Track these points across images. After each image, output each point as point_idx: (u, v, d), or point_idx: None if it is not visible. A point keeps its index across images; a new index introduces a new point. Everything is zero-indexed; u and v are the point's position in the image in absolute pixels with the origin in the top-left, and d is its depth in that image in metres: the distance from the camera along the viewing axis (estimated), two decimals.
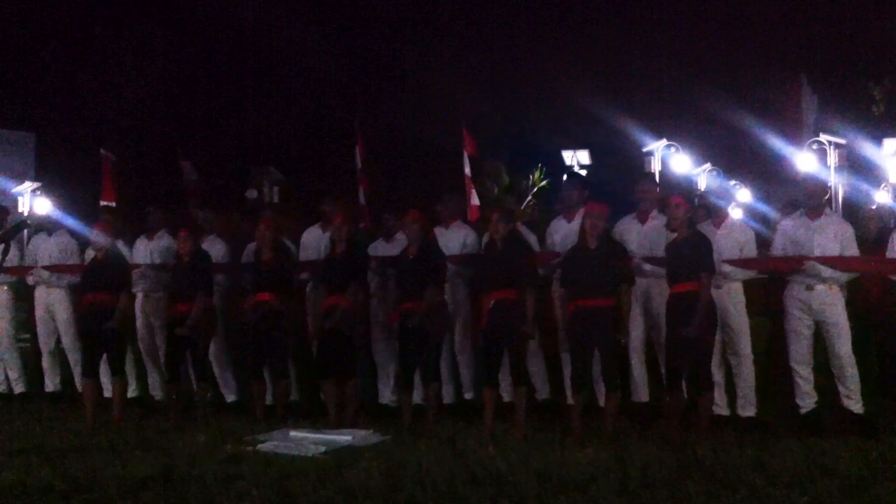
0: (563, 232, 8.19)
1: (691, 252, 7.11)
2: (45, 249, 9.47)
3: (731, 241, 7.62)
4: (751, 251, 7.68)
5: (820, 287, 7.34)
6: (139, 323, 9.07)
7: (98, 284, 8.31)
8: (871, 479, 5.78)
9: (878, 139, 23.52)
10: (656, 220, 7.92)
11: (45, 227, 9.80)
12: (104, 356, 8.46)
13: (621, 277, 7.27)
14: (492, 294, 7.51)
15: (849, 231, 7.52)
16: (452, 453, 6.60)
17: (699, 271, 7.06)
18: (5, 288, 9.68)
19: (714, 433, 7.01)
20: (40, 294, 9.45)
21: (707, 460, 6.24)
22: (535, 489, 5.62)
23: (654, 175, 20.49)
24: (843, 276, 7.42)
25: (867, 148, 24.07)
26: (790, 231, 7.58)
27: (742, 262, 7.58)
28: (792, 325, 7.48)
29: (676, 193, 7.76)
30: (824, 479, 5.77)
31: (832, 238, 7.39)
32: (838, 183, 23.00)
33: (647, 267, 7.73)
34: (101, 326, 8.20)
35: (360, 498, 5.55)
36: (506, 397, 7.96)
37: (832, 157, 22.82)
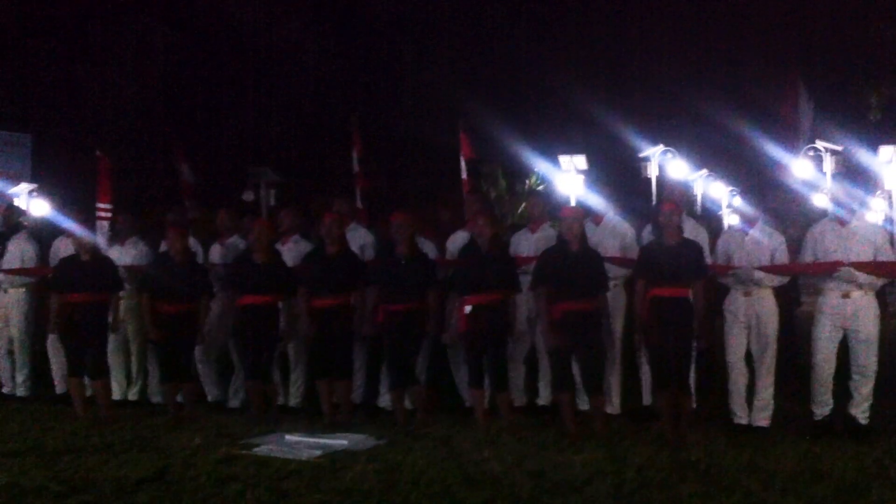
0: (529, 242, 8.30)
1: (683, 258, 7.11)
2: (68, 251, 9.42)
3: (761, 248, 7.59)
4: (782, 256, 7.64)
5: (856, 294, 7.31)
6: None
7: (84, 285, 8.28)
8: (866, 485, 5.79)
9: (874, 146, 23.53)
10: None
11: (65, 230, 9.76)
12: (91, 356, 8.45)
13: (599, 284, 7.30)
14: (471, 298, 7.50)
15: (881, 235, 7.52)
16: (447, 455, 6.61)
17: (694, 278, 7.07)
18: (24, 289, 9.66)
19: (709, 436, 7.03)
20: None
21: (702, 463, 6.25)
22: (530, 490, 5.64)
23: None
24: (879, 281, 7.42)
25: (863, 155, 24.08)
26: (821, 238, 7.54)
27: (774, 268, 7.54)
28: (822, 332, 7.42)
29: (668, 199, 7.77)
30: (819, 483, 5.78)
31: (864, 243, 7.36)
32: (834, 190, 22.96)
33: None
34: (85, 326, 8.20)
35: (356, 499, 5.56)
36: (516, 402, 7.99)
37: (828, 164, 22.82)
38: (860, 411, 7.33)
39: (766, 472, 6.02)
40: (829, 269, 7.36)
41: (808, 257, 7.59)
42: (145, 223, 10.00)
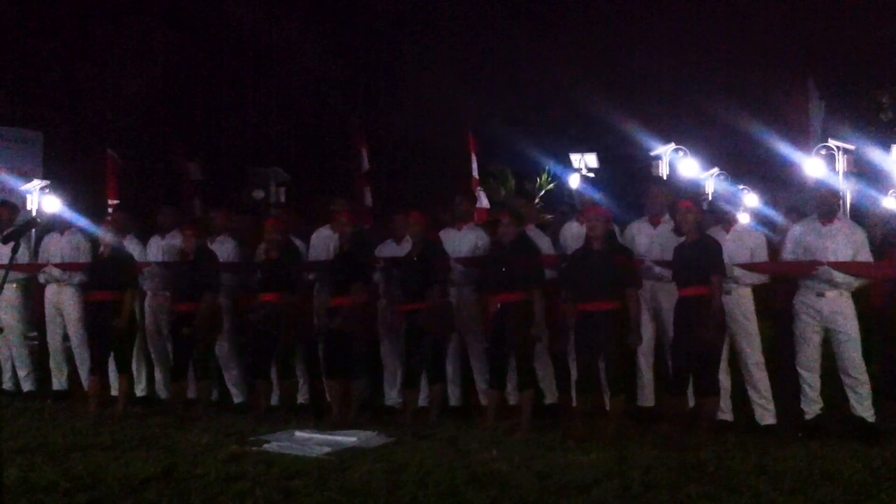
0: (574, 233, 8.23)
1: (700, 256, 7.10)
2: (57, 248, 9.50)
3: (741, 246, 7.59)
4: (761, 256, 7.65)
5: (831, 293, 7.30)
6: (148, 322, 9.10)
7: (102, 282, 8.36)
8: (874, 485, 5.76)
9: (885, 145, 23.49)
10: (668, 224, 7.92)
11: (56, 225, 9.83)
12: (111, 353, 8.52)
13: (627, 281, 7.26)
14: (497, 296, 7.52)
15: (861, 236, 7.48)
16: (455, 454, 6.61)
17: (709, 275, 7.04)
18: (15, 286, 9.70)
19: (716, 437, 7.01)
20: (51, 292, 9.49)
21: (709, 464, 6.23)
22: (537, 491, 5.62)
23: (664, 179, 20.53)
24: (856, 282, 7.38)
25: (875, 154, 24.03)
26: (801, 236, 7.54)
27: (754, 266, 7.54)
28: (801, 330, 7.42)
29: (686, 197, 7.74)
30: (827, 484, 5.75)
31: (844, 243, 7.35)
32: (846, 189, 22.97)
33: (657, 270, 7.72)
34: (106, 324, 8.24)
35: (363, 498, 5.55)
36: (511, 400, 7.96)
37: (840, 163, 22.78)
38: (864, 409, 7.29)
39: (774, 473, 6.00)
40: (807, 269, 7.35)
41: (788, 256, 7.59)
42: (143, 222, 10.03)
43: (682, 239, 7.32)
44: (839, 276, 7.26)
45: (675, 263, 7.33)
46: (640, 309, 7.40)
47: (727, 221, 7.79)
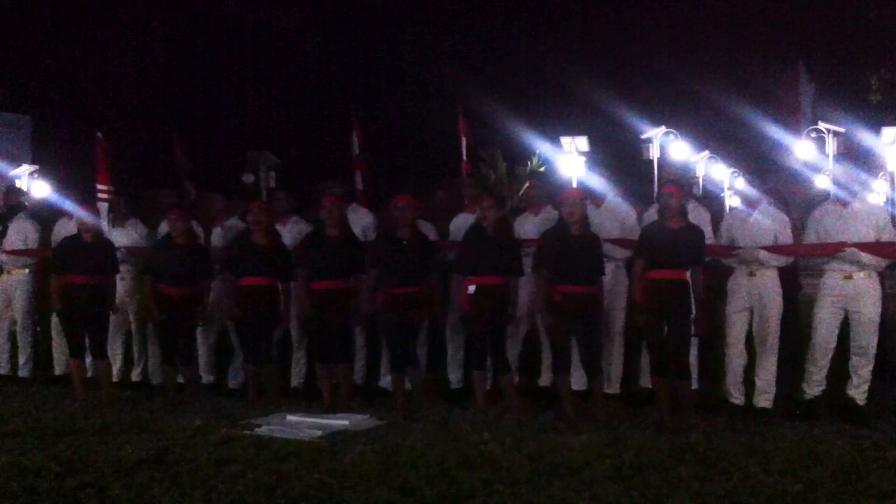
0: (530, 225, 8.28)
1: (683, 243, 7.06)
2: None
3: (764, 229, 7.58)
4: (786, 238, 7.62)
5: (859, 275, 7.31)
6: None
7: (86, 266, 8.27)
8: (864, 467, 5.78)
9: (875, 128, 23.48)
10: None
11: (65, 211, 9.77)
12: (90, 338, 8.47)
13: (601, 269, 7.34)
14: (474, 279, 7.50)
15: (883, 216, 7.48)
16: (446, 437, 6.62)
17: (693, 264, 7.03)
18: (26, 271, 9.66)
19: (707, 419, 7.04)
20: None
21: (700, 446, 6.25)
22: (529, 473, 5.64)
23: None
24: (883, 262, 7.39)
25: (865, 136, 24.02)
26: (821, 219, 7.54)
27: (779, 249, 7.53)
28: (823, 313, 7.42)
29: (669, 182, 7.75)
30: (818, 466, 5.78)
31: (865, 225, 7.34)
32: (836, 171, 22.94)
33: (619, 251, 7.74)
34: (87, 308, 8.19)
35: (354, 480, 5.56)
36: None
37: (830, 146, 22.79)
38: (859, 392, 7.33)
39: (764, 455, 6.03)
40: (833, 251, 7.34)
41: (810, 239, 7.58)
42: (144, 205, 10.02)
43: (655, 219, 7.33)
44: (866, 258, 7.26)
45: (652, 244, 7.19)
46: (603, 296, 7.44)
47: (751, 202, 7.79)
